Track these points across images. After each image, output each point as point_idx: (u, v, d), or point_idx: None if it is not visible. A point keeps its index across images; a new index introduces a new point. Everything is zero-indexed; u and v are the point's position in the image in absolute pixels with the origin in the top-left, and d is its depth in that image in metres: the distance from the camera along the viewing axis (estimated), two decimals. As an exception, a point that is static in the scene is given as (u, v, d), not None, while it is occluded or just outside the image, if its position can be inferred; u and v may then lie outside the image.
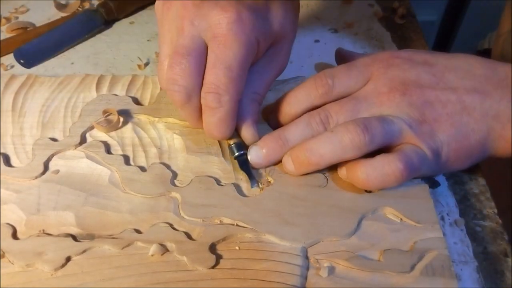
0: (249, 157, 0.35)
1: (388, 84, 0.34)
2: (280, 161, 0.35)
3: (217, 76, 0.32)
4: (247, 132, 0.36)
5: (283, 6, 0.36)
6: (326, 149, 0.33)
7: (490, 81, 0.34)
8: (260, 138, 0.36)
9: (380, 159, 0.32)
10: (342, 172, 0.34)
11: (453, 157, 0.34)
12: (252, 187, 0.34)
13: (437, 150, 0.33)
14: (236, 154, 0.35)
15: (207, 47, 0.33)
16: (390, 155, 0.32)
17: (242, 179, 0.35)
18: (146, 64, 0.47)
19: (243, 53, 0.32)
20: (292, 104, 0.36)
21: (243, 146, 0.36)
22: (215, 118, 0.34)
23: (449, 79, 0.34)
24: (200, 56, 0.33)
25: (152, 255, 0.30)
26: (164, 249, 0.31)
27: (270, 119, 0.38)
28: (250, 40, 0.33)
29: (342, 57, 0.42)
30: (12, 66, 0.47)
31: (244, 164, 0.35)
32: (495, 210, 0.35)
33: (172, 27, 0.34)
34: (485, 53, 0.64)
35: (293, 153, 0.34)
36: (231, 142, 0.36)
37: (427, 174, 0.35)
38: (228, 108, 0.33)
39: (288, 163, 0.34)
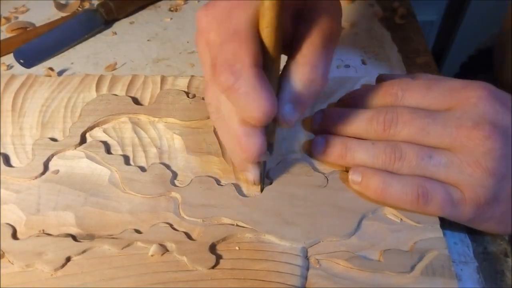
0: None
1: (476, 120, 0.30)
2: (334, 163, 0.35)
3: (221, 48, 0.27)
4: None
5: None
6: (360, 156, 0.33)
7: None
8: (293, 122, 0.30)
9: (400, 177, 0.31)
10: (355, 177, 0.33)
11: (499, 218, 0.31)
12: (262, 189, 0.34)
13: (485, 206, 0.30)
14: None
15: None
16: (414, 178, 0.31)
17: (241, 179, 0.35)
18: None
19: (250, 14, 0.27)
20: (358, 101, 0.35)
21: (271, 147, 0.32)
22: (241, 99, 0.26)
23: (501, 121, 0.30)
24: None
25: (152, 255, 0.30)
26: (164, 249, 0.31)
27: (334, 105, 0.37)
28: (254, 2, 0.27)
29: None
30: (12, 66, 0.47)
31: (262, 165, 0.33)
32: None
33: None
34: (486, 52, 0.64)
35: (332, 140, 0.34)
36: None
37: (459, 221, 0.32)
38: (248, 76, 0.26)
39: (321, 146, 0.34)
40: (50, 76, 0.44)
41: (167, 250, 0.31)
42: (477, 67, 0.69)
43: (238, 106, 0.27)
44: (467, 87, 0.32)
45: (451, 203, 0.31)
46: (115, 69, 0.47)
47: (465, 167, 0.30)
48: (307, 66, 0.28)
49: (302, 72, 0.28)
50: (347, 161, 0.34)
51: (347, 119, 0.34)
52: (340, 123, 0.34)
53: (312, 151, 0.35)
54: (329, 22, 0.29)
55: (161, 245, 0.31)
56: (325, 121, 0.35)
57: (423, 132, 0.31)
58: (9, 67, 0.47)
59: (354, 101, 0.36)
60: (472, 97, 0.31)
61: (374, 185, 0.32)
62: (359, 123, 0.33)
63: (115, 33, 0.51)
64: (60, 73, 0.46)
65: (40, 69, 0.46)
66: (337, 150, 0.34)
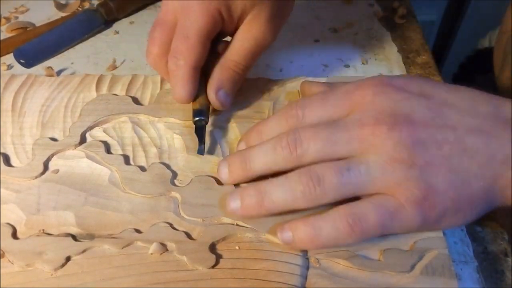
0: (217, 174, 0.34)
1: (375, 116, 0.30)
2: (246, 180, 0.33)
3: (176, 43, 0.35)
4: (209, 96, 0.37)
5: None
6: (278, 194, 0.30)
7: (496, 120, 0.29)
8: (224, 104, 0.37)
9: (327, 216, 0.29)
10: (285, 235, 0.30)
11: (452, 208, 0.29)
12: (197, 153, 0.36)
13: (423, 203, 0.28)
14: (195, 119, 0.36)
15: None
16: (339, 211, 0.29)
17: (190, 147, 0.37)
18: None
19: (200, 23, 0.35)
20: (263, 133, 0.34)
21: (203, 112, 0.37)
22: (173, 81, 0.36)
23: (448, 115, 0.30)
24: (169, 28, 0.36)
25: (152, 254, 0.30)
26: (164, 248, 0.31)
27: (240, 147, 0.35)
28: (209, 10, 0.35)
29: (306, 91, 0.38)
30: (12, 66, 0.47)
31: (199, 129, 0.36)
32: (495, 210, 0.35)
33: None
34: (485, 52, 0.64)
35: (244, 192, 0.31)
36: (194, 107, 0.37)
37: (410, 230, 0.30)
38: (184, 72, 0.35)
39: (235, 202, 0.31)
40: (52, 75, 0.44)
41: (167, 250, 0.31)
42: (476, 67, 0.69)
43: (171, 83, 0.37)
44: (360, 87, 0.32)
45: (389, 216, 0.29)
46: (116, 67, 0.47)
47: (384, 167, 0.29)
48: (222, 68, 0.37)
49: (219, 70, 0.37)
50: (267, 208, 0.31)
51: (251, 159, 0.32)
52: (245, 167, 0.32)
53: (229, 214, 0.32)
54: (261, 27, 0.36)
55: (162, 244, 0.31)
56: (231, 172, 0.33)
57: (330, 142, 0.30)
58: (9, 67, 0.47)
59: (258, 136, 0.34)
60: (366, 95, 0.31)
61: (306, 235, 0.29)
62: (264, 157, 0.32)
63: (117, 32, 0.51)
64: (60, 73, 0.46)
65: (40, 69, 0.46)
66: (252, 201, 0.31)
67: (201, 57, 0.36)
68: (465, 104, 0.30)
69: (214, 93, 0.37)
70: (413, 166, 0.28)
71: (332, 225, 0.29)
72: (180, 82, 0.36)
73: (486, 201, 0.30)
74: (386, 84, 0.31)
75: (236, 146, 0.36)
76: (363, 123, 0.30)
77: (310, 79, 0.41)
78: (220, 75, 0.37)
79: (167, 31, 0.36)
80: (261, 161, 0.32)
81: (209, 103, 0.37)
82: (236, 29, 0.37)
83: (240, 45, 0.37)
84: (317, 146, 0.30)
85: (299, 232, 0.30)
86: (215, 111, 0.39)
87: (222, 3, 0.35)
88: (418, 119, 0.29)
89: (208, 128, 0.38)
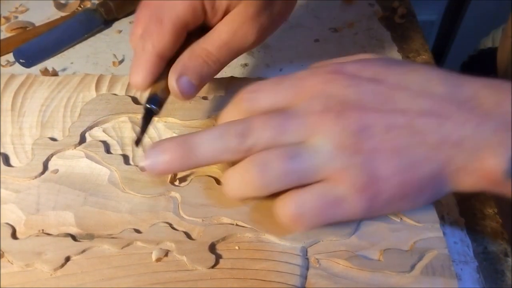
0: (144, 164, 0.30)
1: (324, 103, 0.29)
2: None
3: (148, 24, 0.33)
4: (169, 81, 0.33)
5: None
6: (234, 181, 0.29)
7: (452, 101, 0.28)
8: (183, 93, 0.34)
9: (275, 201, 0.29)
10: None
11: (398, 194, 0.28)
12: (135, 145, 0.33)
13: (367, 189, 0.28)
14: (146, 105, 0.33)
15: None
16: (284, 201, 0.29)
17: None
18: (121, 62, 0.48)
19: (178, 11, 0.33)
20: (218, 121, 0.33)
21: (155, 100, 0.33)
22: (135, 63, 0.33)
23: (399, 98, 0.29)
24: (155, 9, 0.34)
25: (156, 260, 0.30)
26: (165, 251, 0.31)
27: None
28: (191, 1, 0.33)
29: None
30: (12, 66, 0.47)
31: (146, 117, 0.33)
32: (495, 210, 0.35)
33: None
34: (488, 53, 0.64)
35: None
36: (151, 92, 0.34)
37: (355, 218, 0.29)
38: (148, 57, 0.33)
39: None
40: (50, 76, 0.44)
41: (168, 251, 0.31)
42: (479, 67, 0.69)
43: (131, 65, 0.34)
44: (313, 74, 0.31)
45: (330, 204, 0.28)
46: (120, 62, 0.47)
47: (329, 154, 0.28)
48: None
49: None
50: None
51: (195, 146, 0.30)
52: (187, 154, 0.30)
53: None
54: (244, 25, 0.34)
55: (161, 249, 0.31)
56: (169, 159, 0.30)
57: (280, 129, 0.29)
58: (9, 66, 0.47)
59: (217, 119, 0.33)
60: (318, 83, 0.30)
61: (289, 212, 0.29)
62: (210, 145, 0.29)
63: (117, 32, 0.51)
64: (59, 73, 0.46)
65: (39, 68, 0.46)
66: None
67: (171, 46, 0.33)
68: (419, 85, 0.29)
69: (175, 79, 0.33)
70: (358, 153, 0.28)
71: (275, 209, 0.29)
72: (140, 67, 0.33)
73: (433, 187, 0.29)
74: (338, 71, 0.30)
75: None
76: (312, 110, 0.29)
77: None
78: (186, 61, 0.34)
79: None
80: (207, 149, 0.29)
81: (168, 92, 0.34)
82: None
83: (217, 35, 0.34)
84: (268, 134, 0.29)
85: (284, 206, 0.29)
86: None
87: None
88: (367, 105, 0.29)
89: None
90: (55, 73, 0.46)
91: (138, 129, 0.34)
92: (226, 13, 0.35)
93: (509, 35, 0.54)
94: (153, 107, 0.33)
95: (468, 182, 0.28)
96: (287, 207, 0.28)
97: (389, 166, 0.28)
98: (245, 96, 0.31)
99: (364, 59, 0.32)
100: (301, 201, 0.28)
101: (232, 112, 0.32)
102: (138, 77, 0.33)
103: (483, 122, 0.27)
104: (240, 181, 0.29)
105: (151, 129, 0.38)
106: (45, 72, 0.45)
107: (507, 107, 0.27)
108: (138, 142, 0.33)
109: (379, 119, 0.28)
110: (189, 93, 0.34)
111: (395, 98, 0.29)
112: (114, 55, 0.48)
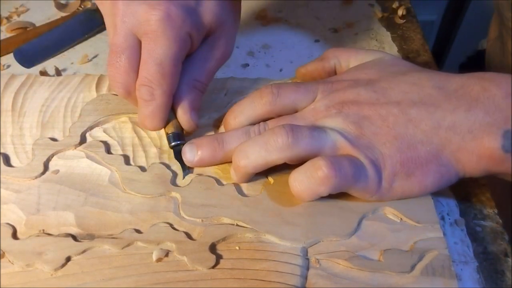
0: (183, 155, 0.35)
1: (327, 104, 0.34)
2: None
3: (149, 71, 0.34)
4: (182, 119, 0.36)
5: None
6: (253, 151, 0.32)
7: (440, 93, 0.32)
8: (197, 125, 0.37)
9: (307, 164, 0.31)
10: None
11: (402, 170, 0.31)
12: (184, 177, 0.35)
13: (377, 162, 0.31)
14: (172, 144, 0.36)
15: (140, 42, 0.34)
16: (317, 159, 0.31)
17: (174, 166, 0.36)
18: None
19: (174, 49, 0.33)
20: (236, 113, 0.36)
21: (180, 136, 0.36)
22: (148, 110, 0.35)
23: (392, 94, 0.33)
24: (134, 53, 0.34)
25: (156, 261, 0.30)
26: (165, 251, 0.31)
27: (219, 130, 0.38)
28: (180, 35, 0.34)
29: None
30: (12, 66, 0.47)
31: (178, 154, 0.36)
32: (496, 210, 0.35)
33: (108, 23, 0.36)
34: (485, 53, 0.64)
35: (233, 159, 0.34)
36: (169, 131, 0.36)
37: (372, 190, 0.32)
38: (161, 102, 0.34)
39: (232, 173, 0.34)
40: (50, 76, 0.44)
41: (169, 251, 0.31)
42: (477, 68, 0.69)
43: (142, 112, 0.35)
44: (325, 81, 0.36)
45: (359, 169, 0.31)
46: None
47: (338, 137, 0.32)
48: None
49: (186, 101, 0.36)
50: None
51: (225, 136, 0.35)
52: (220, 140, 0.35)
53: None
54: (222, 47, 0.37)
55: (162, 249, 0.31)
56: (202, 152, 0.35)
57: (292, 135, 0.32)
58: (9, 66, 0.47)
59: (233, 118, 0.36)
60: (325, 90, 0.35)
61: (291, 185, 0.32)
62: (238, 137, 0.34)
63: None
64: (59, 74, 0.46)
65: (39, 69, 0.46)
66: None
67: (176, 84, 0.35)
68: (409, 83, 0.33)
69: (188, 116, 0.36)
70: (361, 137, 0.32)
71: (307, 173, 0.31)
72: (157, 113, 0.35)
73: (438, 169, 0.31)
74: (340, 80, 0.36)
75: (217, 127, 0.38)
76: (317, 110, 0.34)
77: None
78: (190, 97, 0.36)
79: (134, 56, 0.34)
80: (235, 143, 0.34)
81: (180, 125, 0.37)
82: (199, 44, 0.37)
83: (204, 65, 0.37)
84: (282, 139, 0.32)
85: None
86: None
87: (192, 26, 0.34)
88: (363, 100, 0.33)
89: (209, 129, 0.38)
90: (59, 73, 0.46)
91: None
92: (207, 35, 0.37)
93: (488, 39, 0.55)
94: (181, 142, 0.36)
95: (471, 162, 0.31)
96: (321, 165, 0.30)
97: (391, 146, 0.31)
98: (267, 91, 0.35)
99: (360, 65, 0.37)
100: (335, 162, 0.30)
101: (252, 102, 0.35)
102: (156, 122, 0.35)
103: (473, 107, 0.31)
104: (273, 141, 0.32)
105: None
106: (44, 74, 0.45)
107: (494, 91, 0.30)
108: (187, 174, 0.35)
109: (375, 111, 0.32)
110: (198, 124, 0.37)
111: (388, 94, 0.33)
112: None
